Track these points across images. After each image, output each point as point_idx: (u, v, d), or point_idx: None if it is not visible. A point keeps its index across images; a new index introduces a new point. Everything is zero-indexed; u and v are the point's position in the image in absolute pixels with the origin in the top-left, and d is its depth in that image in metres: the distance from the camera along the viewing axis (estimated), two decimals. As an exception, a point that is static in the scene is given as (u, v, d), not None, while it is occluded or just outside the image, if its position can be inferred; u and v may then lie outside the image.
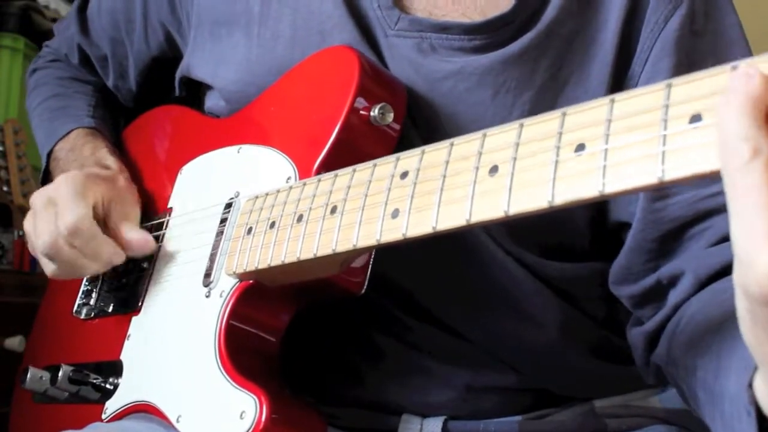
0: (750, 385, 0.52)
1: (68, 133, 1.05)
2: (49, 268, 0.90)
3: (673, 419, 0.88)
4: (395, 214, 0.62)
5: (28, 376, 0.90)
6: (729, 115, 0.41)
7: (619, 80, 0.80)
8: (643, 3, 0.79)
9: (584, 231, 0.83)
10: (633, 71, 0.79)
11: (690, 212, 0.74)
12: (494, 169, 0.56)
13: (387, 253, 0.76)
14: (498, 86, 0.79)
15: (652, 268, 0.77)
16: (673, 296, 0.75)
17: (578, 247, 0.84)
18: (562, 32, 0.80)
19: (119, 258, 0.89)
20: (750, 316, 0.43)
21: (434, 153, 0.62)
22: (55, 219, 0.86)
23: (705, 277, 0.72)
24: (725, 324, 0.61)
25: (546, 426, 0.87)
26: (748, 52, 0.81)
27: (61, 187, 0.89)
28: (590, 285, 0.85)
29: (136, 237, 0.90)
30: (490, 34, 0.80)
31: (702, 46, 0.79)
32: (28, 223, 0.91)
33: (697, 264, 0.73)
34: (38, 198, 0.90)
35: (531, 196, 0.53)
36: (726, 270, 0.71)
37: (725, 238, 0.73)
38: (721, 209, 0.73)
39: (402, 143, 0.80)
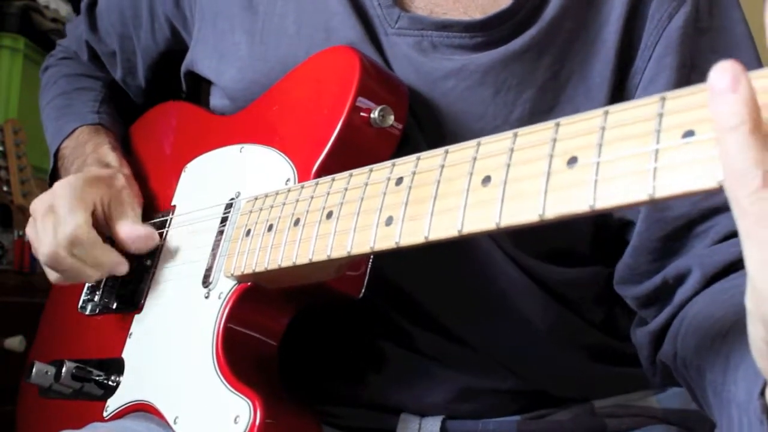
0: (762, 393, 0.51)
1: (73, 131, 1.06)
2: (52, 276, 0.91)
3: (672, 419, 0.88)
4: (389, 221, 0.61)
5: (34, 370, 0.91)
6: (732, 142, 0.38)
7: (622, 77, 0.79)
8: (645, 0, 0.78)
9: (586, 234, 0.82)
10: (637, 67, 0.79)
11: (694, 210, 0.74)
12: (487, 179, 0.55)
13: (387, 256, 0.75)
14: (499, 84, 0.79)
15: (657, 267, 0.77)
16: (680, 294, 0.75)
17: (578, 251, 0.84)
18: (563, 30, 0.79)
19: (122, 268, 0.89)
20: (765, 344, 0.42)
21: (429, 159, 0.61)
22: (54, 229, 0.86)
23: (711, 274, 0.72)
24: (732, 328, 0.61)
25: (545, 426, 0.87)
26: (753, 49, 0.80)
27: (60, 193, 0.88)
28: (588, 289, 0.84)
29: (137, 233, 0.90)
30: (491, 31, 0.79)
31: (706, 43, 0.78)
32: (30, 229, 0.91)
33: (703, 261, 0.73)
34: (38, 205, 0.90)
35: (522, 208, 0.52)
36: (731, 267, 0.71)
37: (729, 236, 0.73)
38: (726, 207, 0.72)
39: (404, 142, 0.79)
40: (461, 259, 0.81)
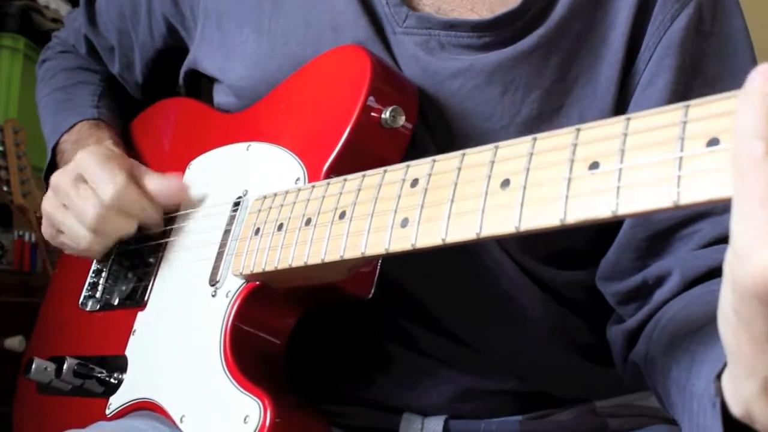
0: (718, 377, 0.51)
1: (73, 126, 1.06)
2: (84, 242, 0.89)
3: (674, 419, 0.88)
4: (405, 223, 0.61)
5: (33, 366, 0.90)
6: (746, 111, 0.40)
7: (626, 79, 0.79)
8: (651, 1, 0.79)
9: (589, 237, 0.83)
10: (637, 68, 0.79)
11: (680, 213, 0.74)
12: (506, 183, 0.55)
13: (393, 258, 0.75)
14: (507, 84, 0.79)
15: (638, 266, 0.78)
16: (659, 295, 0.75)
17: (581, 254, 0.84)
18: (572, 31, 0.80)
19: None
20: (733, 312, 0.43)
21: (445, 162, 0.61)
22: (95, 195, 0.86)
23: (691, 279, 0.73)
24: (705, 326, 0.61)
25: (547, 425, 0.87)
26: (752, 57, 0.81)
27: (86, 163, 0.88)
28: (590, 290, 0.84)
29: (169, 183, 0.90)
30: (499, 31, 0.79)
31: (707, 47, 0.79)
32: (52, 202, 0.90)
33: (684, 265, 0.73)
34: (62, 177, 0.89)
35: (543, 212, 0.53)
36: (712, 273, 0.72)
37: (713, 242, 0.73)
38: (712, 212, 0.74)
39: (412, 142, 0.79)
40: (466, 262, 0.81)
